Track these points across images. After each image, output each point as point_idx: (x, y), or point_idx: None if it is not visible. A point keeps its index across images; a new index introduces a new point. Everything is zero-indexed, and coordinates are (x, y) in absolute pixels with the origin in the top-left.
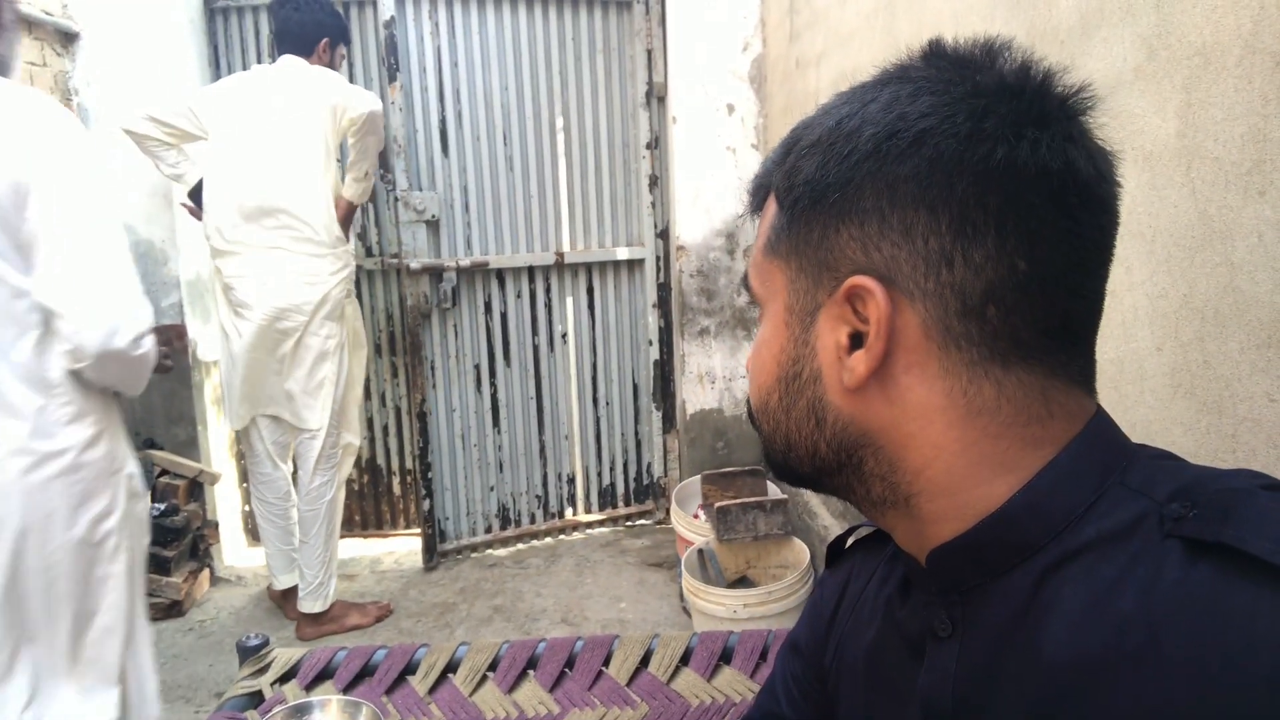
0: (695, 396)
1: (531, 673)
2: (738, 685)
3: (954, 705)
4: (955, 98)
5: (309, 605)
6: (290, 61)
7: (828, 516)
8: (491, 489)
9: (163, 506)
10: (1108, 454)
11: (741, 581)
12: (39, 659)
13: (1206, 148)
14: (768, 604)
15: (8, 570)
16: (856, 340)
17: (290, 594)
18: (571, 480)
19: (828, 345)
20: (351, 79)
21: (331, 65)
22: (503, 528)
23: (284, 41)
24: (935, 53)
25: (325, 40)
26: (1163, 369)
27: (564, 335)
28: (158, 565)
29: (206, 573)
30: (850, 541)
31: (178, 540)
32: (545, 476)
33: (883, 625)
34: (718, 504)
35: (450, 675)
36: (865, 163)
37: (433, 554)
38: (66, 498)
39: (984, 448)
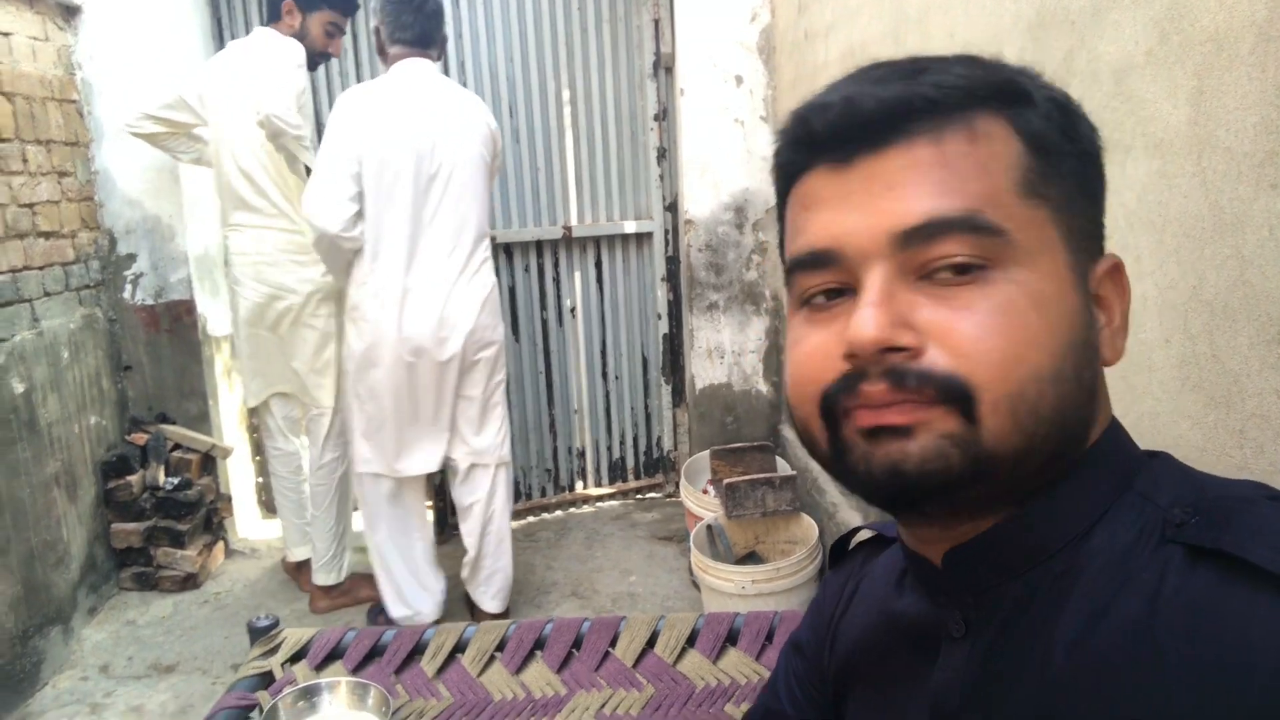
0: (704, 371)
1: (539, 653)
2: (743, 667)
3: (961, 704)
4: None
5: (322, 578)
6: (260, 34)
7: (835, 493)
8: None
9: (176, 480)
10: (1124, 463)
11: (750, 557)
12: None
13: (1218, 137)
14: (776, 580)
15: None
16: None
17: (305, 566)
18: (581, 454)
19: (1099, 315)
20: (355, 54)
21: (305, 30)
22: (514, 501)
23: (269, 6)
24: None
25: (289, 2)
26: (1171, 361)
27: (572, 309)
28: (172, 539)
29: (221, 545)
30: (854, 543)
31: (192, 514)
32: (555, 450)
33: (881, 623)
34: (726, 480)
35: (458, 656)
36: (1096, 138)
37: (444, 527)
38: None
39: (1093, 432)
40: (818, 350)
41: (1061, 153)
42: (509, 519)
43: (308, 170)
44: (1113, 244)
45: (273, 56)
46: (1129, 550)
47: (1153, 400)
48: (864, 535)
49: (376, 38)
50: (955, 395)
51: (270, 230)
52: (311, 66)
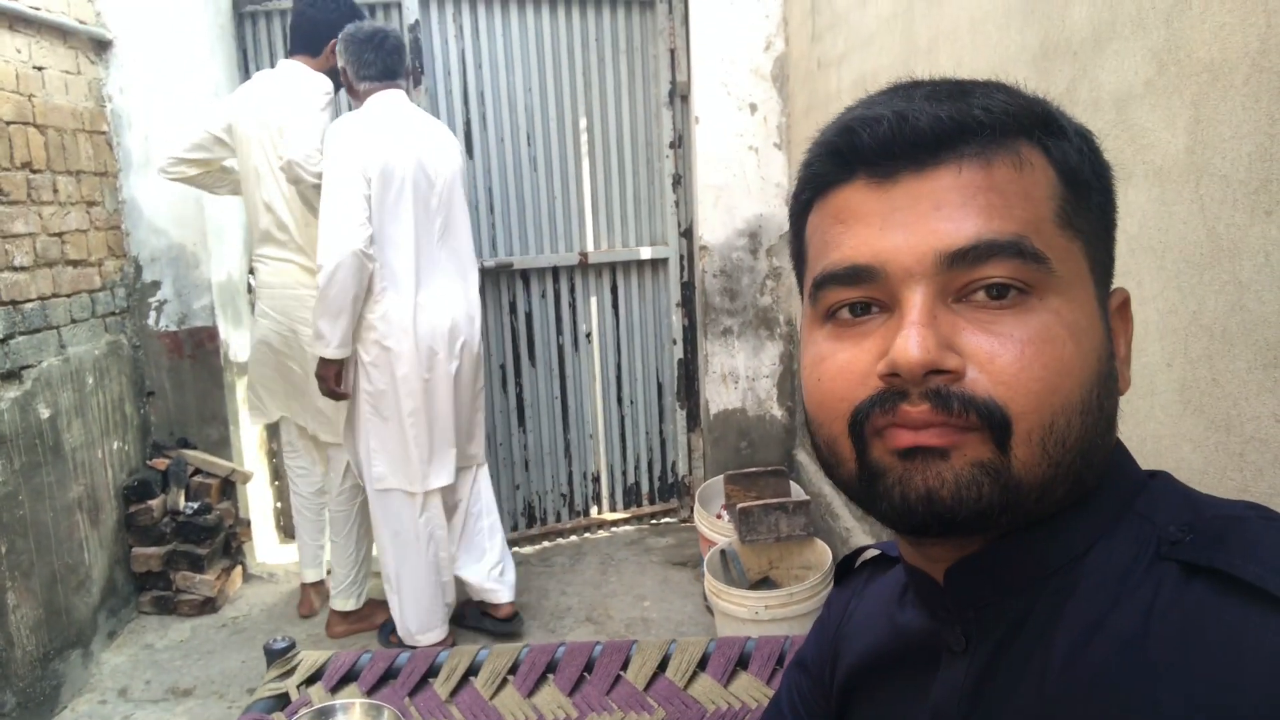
0: (719, 396)
1: (551, 676)
2: (754, 691)
3: (960, 717)
4: None
5: (340, 603)
6: (288, 66)
7: (849, 518)
8: (517, 488)
9: (196, 505)
10: (1127, 485)
11: (764, 582)
12: None
13: (1215, 165)
14: (789, 605)
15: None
16: None
17: (311, 587)
18: (596, 479)
19: (1117, 346)
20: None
21: (338, 67)
22: (529, 526)
23: (294, 39)
24: None
25: (335, 41)
26: (1172, 385)
27: (588, 335)
28: (191, 563)
29: (239, 570)
30: (859, 561)
31: (211, 538)
32: (570, 475)
33: (883, 637)
34: (740, 505)
35: (471, 678)
36: (1108, 175)
37: None
38: None
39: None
40: (848, 367)
41: (1090, 186)
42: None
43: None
44: (1116, 270)
45: (302, 94)
46: (1126, 568)
47: (1155, 424)
48: (870, 554)
49: (344, 77)
50: (994, 422)
51: (291, 264)
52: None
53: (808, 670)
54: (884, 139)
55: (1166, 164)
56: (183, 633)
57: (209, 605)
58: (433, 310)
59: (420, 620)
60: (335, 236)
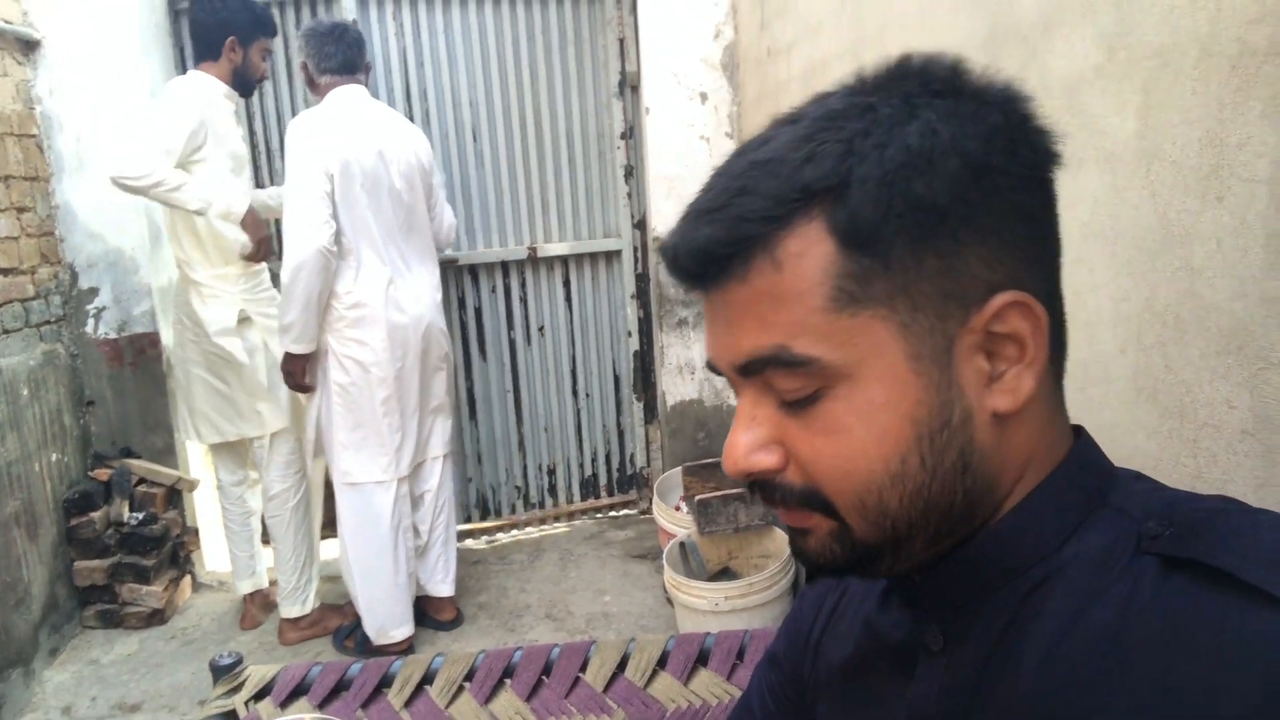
0: (675, 388)
1: (508, 681)
2: (714, 688)
3: (938, 717)
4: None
5: (288, 609)
6: (192, 76)
7: None
8: (470, 480)
9: (141, 515)
10: (1095, 476)
11: (724, 573)
12: None
13: (1165, 150)
14: (749, 595)
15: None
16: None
17: (249, 599)
18: (552, 471)
19: (970, 379)
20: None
21: (246, 63)
22: (483, 518)
23: (193, 47)
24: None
25: (232, 39)
26: (1126, 372)
27: (540, 329)
28: (137, 574)
29: (188, 580)
30: None
31: (157, 549)
32: (525, 468)
33: (863, 638)
34: (699, 496)
35: (426, 687)
36: (978, 179)
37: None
38: None
39: (1049, 454)
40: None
41: (883, 240)
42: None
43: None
44: (1068, 256)
45: (157, 104)
46: (1102, 563)
47: (1110, 412)
48: None
49: (305, 72)
50: (818, 504)
51: (182, 267)
52: (247, 93)
53: (779, 666)
54: (676, 269)
55: (1117, 150)
56: (130, 646)
57: (157, 617)
58: (402, 300)
59: (393, 615)
60: (298, 234)
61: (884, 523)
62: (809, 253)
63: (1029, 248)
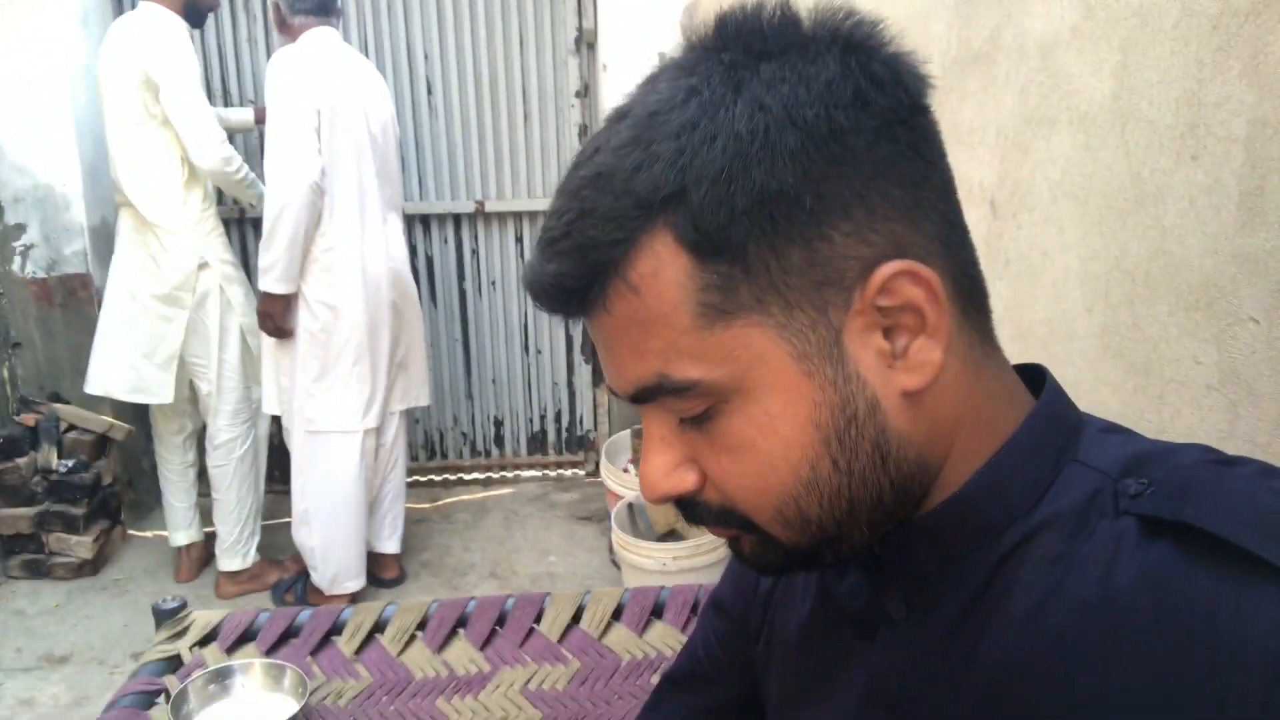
0: None
1: (461, 631)
2: (669, 640)
3: (901, 688)
4: (836, 58)
5: (227, 563)
6: (146, 11)
7: None
8: (417, 421)
9: (70, 463)
10: (1064, 430)
11: (671, 535)
12: None
13: (1141, 110)
14: (697, 556)
15: None
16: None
17: (184, 551)
18: (500, 423)
19: (870, 363)
20: (266, 33)
21: None
22: (429, 458)
23: None
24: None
25: None
26: (1092, 330)
27: (493, 282)
28: (66, 524)
29: (120, 530)
30: None
31: (87, 498)
32: (473, 416)
33: (817, 603)
34: None
35: (378, 635)
36: (824, 148)
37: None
38: None
39: (983, 415)
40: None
41: (735, 244)
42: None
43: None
44: (1037, 216)
45: (168, 60)
46: (1078, 525)
47: (1074, 369)
48: None
49: (276, 13)
50: (738, 521)
51: (124, 208)
52: (199, 24)
53: (726, 614)
54: (538, 303)
55: (1092, 110)
56: (57, 597)
57: (87, 568)
58: (376, 247)
59: (350, 566)
60: (288, 170)
61: (809, 529)
62: (662, 271)
63: (907, 202)
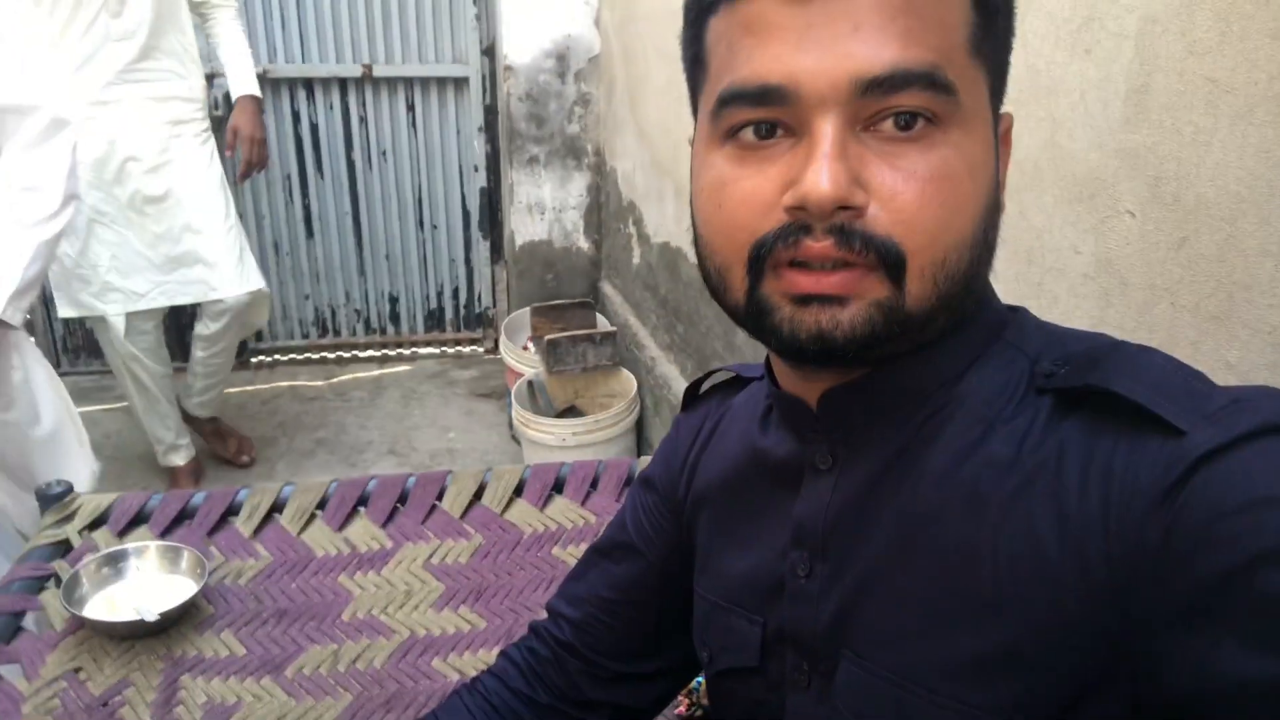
0: (524, 227)
1: (362, 510)
2: (570, 513)
3: (826, 531)
4: None
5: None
6: None
7: (655, 348)
8: (307, 297)
9: None
10: (993, 313)
11: (570, 411)
12: None
13: (1040, 1)
14: (595, 432)
15: None
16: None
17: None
18: (395, 299)
19: (1001, 172)
20: None
21: None
22: (321, 335)
23: None
24: None
25: None
26: None
27: (384, 153)
28: None
29: None
30: (706, 386)
31: None
32: (366, 293)
33: (743, 457)
34: (548, 336)
35: (276, 515)
36: None
37: (243, 352)
38: None
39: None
40: (752, 196)
41: (998, 10)
42: None
43: None
44: None
45: None
46: (998, 395)
47: None
48: (721, 377)
49: None
50: (890, 260)
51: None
52: None
53: (655, 488)
54: None
55: None
56: None
57: None
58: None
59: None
60: None
61: (945, 288)
62: None
63: None
